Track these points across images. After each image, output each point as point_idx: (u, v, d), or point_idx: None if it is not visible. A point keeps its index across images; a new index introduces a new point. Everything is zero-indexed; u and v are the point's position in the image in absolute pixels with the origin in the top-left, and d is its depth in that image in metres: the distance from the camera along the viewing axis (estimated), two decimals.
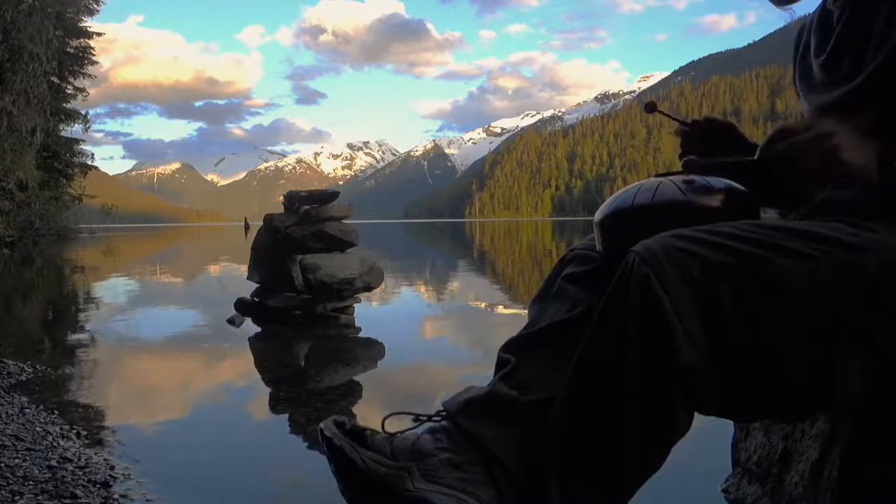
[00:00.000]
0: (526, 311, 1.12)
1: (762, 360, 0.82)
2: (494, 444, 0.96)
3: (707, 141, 1.19)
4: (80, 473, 1.78)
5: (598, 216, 1.07)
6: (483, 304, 6.29)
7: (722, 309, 0.81)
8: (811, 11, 1.18)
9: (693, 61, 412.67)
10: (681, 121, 1.22)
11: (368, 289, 5.21)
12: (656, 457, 0.86)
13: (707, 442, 1.87)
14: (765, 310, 0.82)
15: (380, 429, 1.03)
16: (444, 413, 1.03)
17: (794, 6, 1.17)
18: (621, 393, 0.82)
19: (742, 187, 1.04)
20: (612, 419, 0.83)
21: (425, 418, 1.05)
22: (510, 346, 1.06)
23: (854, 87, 1.01)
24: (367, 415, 2.54)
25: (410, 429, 1.03)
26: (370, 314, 5.22)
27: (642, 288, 0.81)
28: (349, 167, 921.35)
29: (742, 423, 1.46)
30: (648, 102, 1.22)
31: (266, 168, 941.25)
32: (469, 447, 0.97)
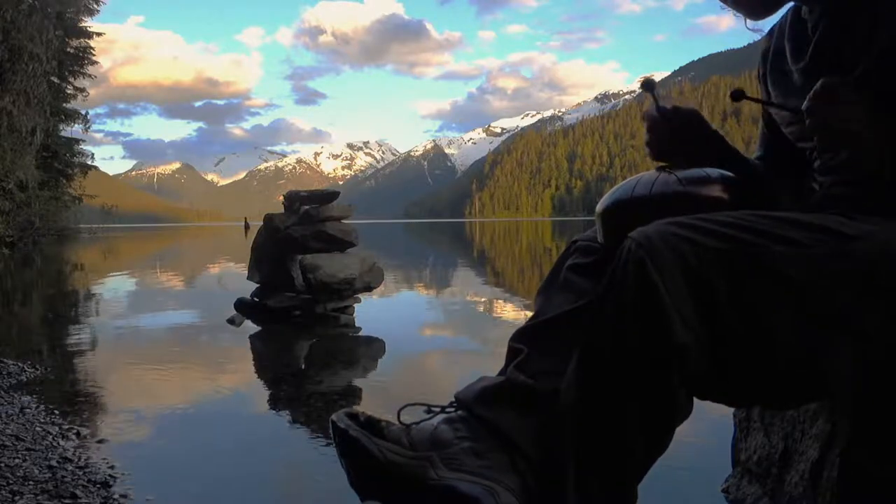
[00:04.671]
0: (525, 313, 1.13)
1: (755, 345, 0.84)
2: (512, 431, 0.97)
3: (677, 131, 1.16)
4: (80, 473, 1.78)
5: (599, 207, 1.09)
6: (483, 304, 6.29)
7: (716, 294, 0.83)
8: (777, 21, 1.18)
9: (693, 61, 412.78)
10: (769, 104, 1.16)
11: (368, 289, 5.21)
12: (660, 439, 0.88)
13: (707, 442, 1.87)
14: (758, 296, 0.84)
15: (392, 421, 1.03)
16: (456, 404, 1.04)
17: (761, 23, 1.17)
18: (621, 377, 0.84)
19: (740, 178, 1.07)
20: (614, 402, 0.85)
21: (438, 409, 1.05)
22: (521, 336, 1.07)
23: None
24: (370, 413, 2.54)
25: (426, 419, 1.03)
26: (370, 314, 5.22)
27: (638, 272, 0.83)
28: (349, 167, 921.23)
29: (737, 408, 1.46)
30: (735, 90, 1.04)
31: (266, 168, 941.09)
32: (488, 435, 0.98)
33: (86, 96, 31.28)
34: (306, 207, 5.20)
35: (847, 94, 0.91)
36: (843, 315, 0.85)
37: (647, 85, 1.14)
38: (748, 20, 1.13)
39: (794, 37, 1.12)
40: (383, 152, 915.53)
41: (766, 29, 1.21)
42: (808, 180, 1.15)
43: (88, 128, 31.22)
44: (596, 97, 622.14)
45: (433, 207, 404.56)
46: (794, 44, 1.11)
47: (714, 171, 1.06)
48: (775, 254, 0.84)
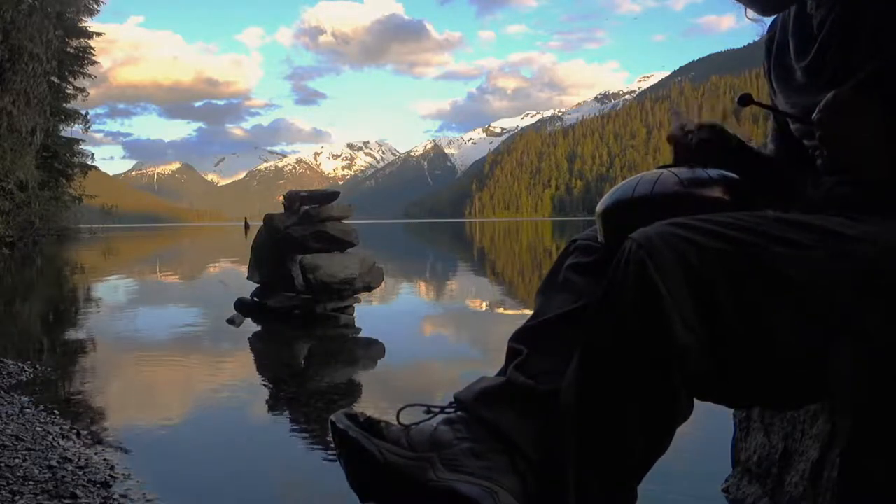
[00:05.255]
0: (525, 314, 1.13)
1: (755, 346, 0.84)
2: (512, 432, 0.96)
3: (701, 147, 1.16)
4: (80, 473, 1.78)
5: (599, 207, 1.09)
6: (483, 304, 6.29)
7: (716, 295, 0.83)
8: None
9: (693, 61, 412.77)
10: (776, 110, 1.16)
11: (368, 289, 5.21)
12: (660, 440, 0.87)
13: (707, 442, 1.87)
14: (758, 296, 0.84)
15: (391, 422, 1.03)
16: (456, 405, 1.04)
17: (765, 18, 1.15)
18: (621, 377, 0.84)
19: (741, 179, 1.06)
20: (614, 403, 0.85)
21: (438, 410, 1.05)
22: (520, 336, 1.07)
23: None
24: (369, 413, 2.54)
25: (425, 420, 1.03)
26: (370, 314, 5.22)
27: (638, 273, 0.83)
28: (349, 167, 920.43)
29: (738, 408, 1.46)
30: (743, 95, 1.04)
31: (266, 168, 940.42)
32: (487, 436, 0.97)
33: (86, 96, 31.24)
34: (306, 207, 5.20)
35: (857, 105, 0.91)
36: (843, 315, 0.85)
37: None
38: (750, 12, 1.12)
39: (798, 32, 1.10)
40: (383, 152, 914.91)
41: (767, 21, 1.20)
42: (816, 174, 1.15)
43: (88, 128, 31.20)
44: (596, 97, 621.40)
45: (433, 207, 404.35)
46: (797, 40, 1.10)
47: (715, 172, 1.06)
48: (775, 254, 0.84)
